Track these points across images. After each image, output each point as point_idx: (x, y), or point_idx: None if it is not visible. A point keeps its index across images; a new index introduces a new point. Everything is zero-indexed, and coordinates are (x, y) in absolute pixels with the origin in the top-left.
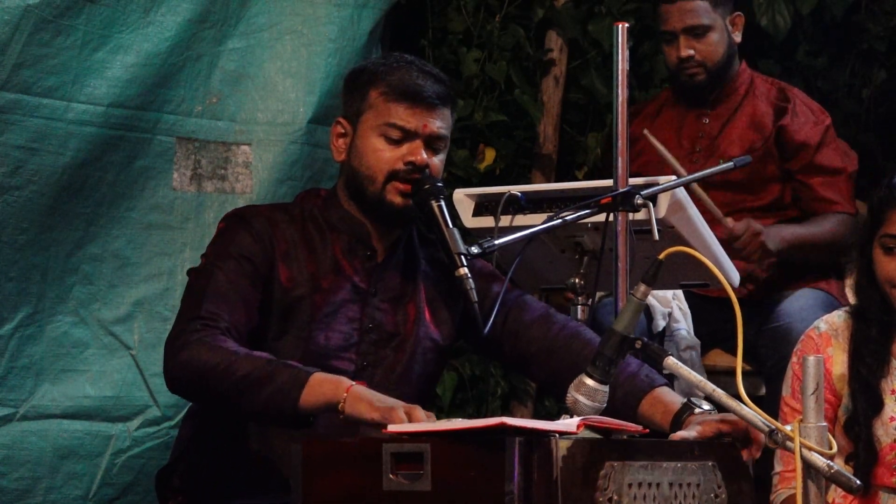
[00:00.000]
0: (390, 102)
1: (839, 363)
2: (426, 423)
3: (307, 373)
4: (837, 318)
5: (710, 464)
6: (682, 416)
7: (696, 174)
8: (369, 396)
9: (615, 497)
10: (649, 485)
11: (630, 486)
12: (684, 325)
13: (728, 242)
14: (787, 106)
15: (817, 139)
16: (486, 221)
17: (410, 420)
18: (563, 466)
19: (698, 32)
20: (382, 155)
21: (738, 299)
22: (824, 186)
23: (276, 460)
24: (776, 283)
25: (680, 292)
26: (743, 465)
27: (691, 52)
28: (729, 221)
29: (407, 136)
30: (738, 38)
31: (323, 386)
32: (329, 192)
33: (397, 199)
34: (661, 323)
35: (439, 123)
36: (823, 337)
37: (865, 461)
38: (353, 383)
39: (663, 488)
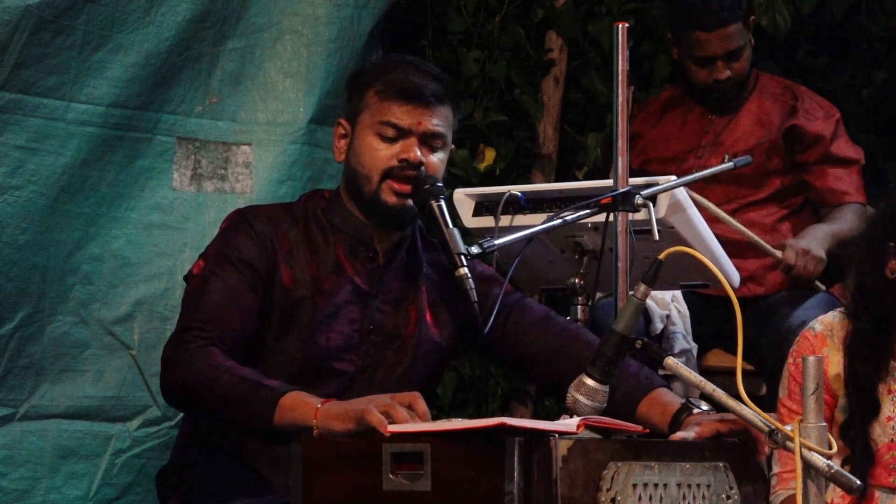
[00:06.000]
0: (385, 101)
1: (834, 363)
2: (426, 423)
3: (280, 393)
4: (832, 318)
5: (721, 465)
6: (680, 417)
7: (695, 175)
8: (338, 410)
9: (619, 498)
10: (655, 485)
11: (635, 486)
12: (681, 329)
13: (784, 273)
14: (795, 104)
15: (830, 131)
16: (486, 221)
17: (392, 418)
18: (562, 466)
19: (736, 55)
20: (377, 153)
21: (739, 299)
22: (839, 177)
23: (275, 459)
24: (777, 282)
25: (679, 294)
26: (758, 467)
27: (729, 73)
28: (778, 254)
29: (401, 133)
30: (752, 39)
31: (294, 410)
32: (333, 194)
33: (392, 199)
34: (658, 326)
35: (436, 121)
36: (819, 337)
37: (862, 463)
38: (320, 405)
39: (671, 489)
